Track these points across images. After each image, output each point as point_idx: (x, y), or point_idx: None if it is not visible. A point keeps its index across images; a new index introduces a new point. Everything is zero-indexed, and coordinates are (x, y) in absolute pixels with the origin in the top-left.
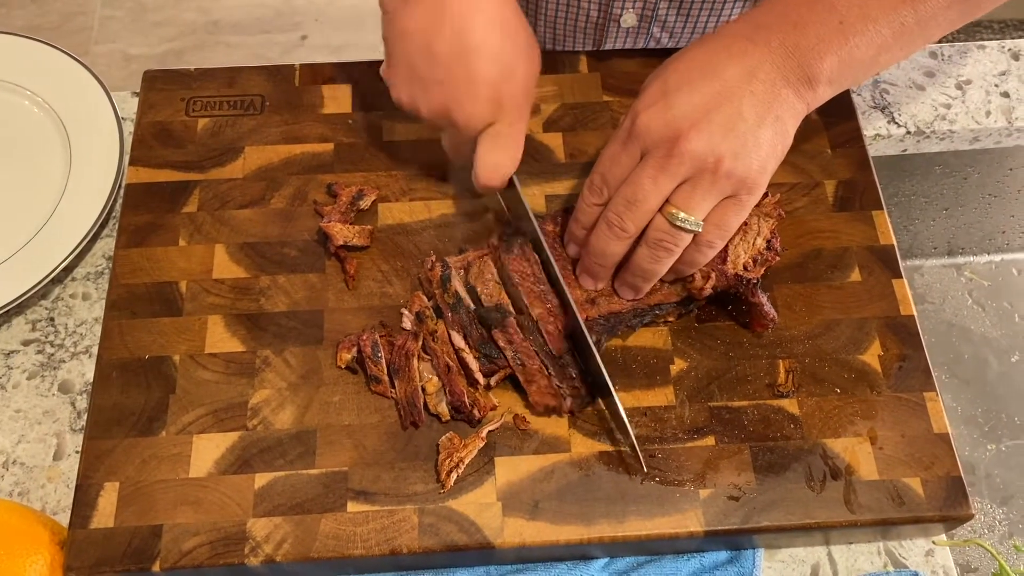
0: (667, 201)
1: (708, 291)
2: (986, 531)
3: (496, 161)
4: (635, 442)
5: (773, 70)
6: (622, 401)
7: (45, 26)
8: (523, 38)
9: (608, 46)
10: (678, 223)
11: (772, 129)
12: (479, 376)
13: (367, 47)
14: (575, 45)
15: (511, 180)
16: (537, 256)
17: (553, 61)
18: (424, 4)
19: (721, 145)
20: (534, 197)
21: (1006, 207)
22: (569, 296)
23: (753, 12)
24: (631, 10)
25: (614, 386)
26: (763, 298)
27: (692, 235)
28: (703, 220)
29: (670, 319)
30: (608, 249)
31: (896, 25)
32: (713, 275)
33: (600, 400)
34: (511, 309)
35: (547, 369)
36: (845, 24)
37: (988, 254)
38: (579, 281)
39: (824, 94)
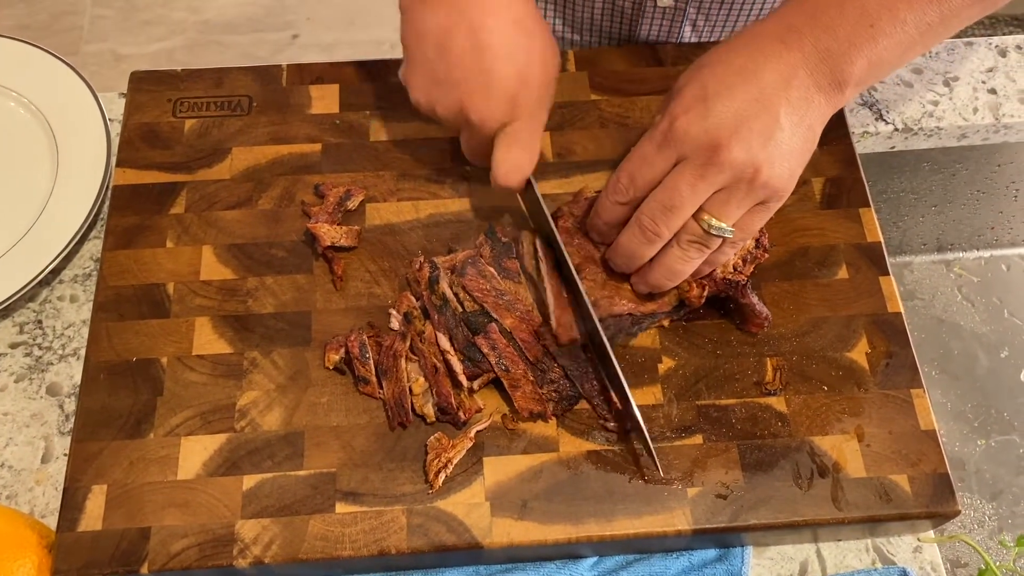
0: (700, 207)
1: (703, 298)
2: (976, 526)
3: (513, 162)
4: (649, 441)
5: (807, 76)
6: (614, 399)
7: (34, 25)
8: (540, 38)
9: (642, 32)
10: (712, 230)
11: (803, 137)
12: (463, 379)
13: (358, 46)
14: (608, 29)
15: (528, 181)
16: (492, 269)
17: None
18: (441, 4)
19: (759, 155)
20: None
21: (994, 203)
22: (586, 297)
23: (783, 11)
24: None
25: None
26: (754, 298)
27: (722, 239)
28: (733, 226)
29: (663, 324)
30: (639, 252)
31: (923, 25)
32: (706, 283)
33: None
34: (495, 315)
35: (530, 375)
36: (876, 27)
37: (977, 250)
38: (611, 268)
39: (850, 96)
